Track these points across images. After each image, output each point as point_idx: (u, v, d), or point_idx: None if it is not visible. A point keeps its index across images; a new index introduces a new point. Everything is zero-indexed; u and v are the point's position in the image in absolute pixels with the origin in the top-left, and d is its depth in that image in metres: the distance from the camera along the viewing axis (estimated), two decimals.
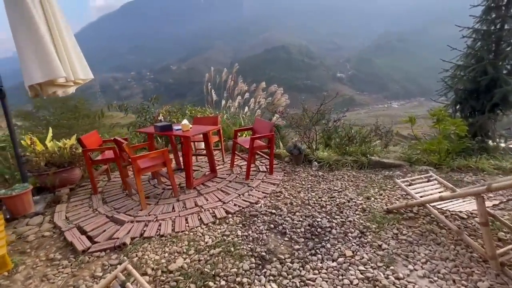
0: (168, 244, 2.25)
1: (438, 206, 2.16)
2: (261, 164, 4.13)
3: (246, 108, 6.96)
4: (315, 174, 3.67)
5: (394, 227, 2.31)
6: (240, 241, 2.23)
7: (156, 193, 3.31)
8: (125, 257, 2.11)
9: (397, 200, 2.82)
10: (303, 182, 3.42)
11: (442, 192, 2.42)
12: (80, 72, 2.59)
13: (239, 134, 4.13)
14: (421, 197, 2.33)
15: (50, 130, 4.17)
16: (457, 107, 5.63)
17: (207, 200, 3.02)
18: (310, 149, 4.28)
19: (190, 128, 3.44)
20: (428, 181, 2.60)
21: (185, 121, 3.39)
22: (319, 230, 2.33)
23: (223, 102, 7.14)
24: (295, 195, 3.07)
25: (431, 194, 2.38)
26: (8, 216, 2.82)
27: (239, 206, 2.81)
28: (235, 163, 4.11)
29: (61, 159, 3.55)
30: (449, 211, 2.11)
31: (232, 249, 2.13)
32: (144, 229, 2.48)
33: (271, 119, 6.40)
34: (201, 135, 3.73)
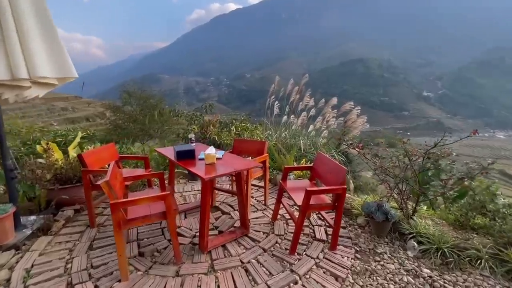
0: None
1: None
2: (320, 222, 2.72)
3: (311, 127, 5.58)
4: (414, 269, 2.05)
5: None
6: None
7: (157, 247, 2.28)
8: None
9: None
10: (391, 286, 1.87)
11: None
12: (45, 68, 1.71)
13: (292, 174, 2.83)
14: None
15: (79, 134, 3.68)
16: None
17: (218, 287, 1.82)
18: (403, 211, 2.64)
19: (217, 159, 2.33)
20: None
21: (211, 149, 2.29)
22: None
23: (284, 117, 5.93)
24: None
25: None
26: None
27: None
28: (279, 213, 2.82)
29: (69, 173, 2.91)
30: None
31: None
32: None
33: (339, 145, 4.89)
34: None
